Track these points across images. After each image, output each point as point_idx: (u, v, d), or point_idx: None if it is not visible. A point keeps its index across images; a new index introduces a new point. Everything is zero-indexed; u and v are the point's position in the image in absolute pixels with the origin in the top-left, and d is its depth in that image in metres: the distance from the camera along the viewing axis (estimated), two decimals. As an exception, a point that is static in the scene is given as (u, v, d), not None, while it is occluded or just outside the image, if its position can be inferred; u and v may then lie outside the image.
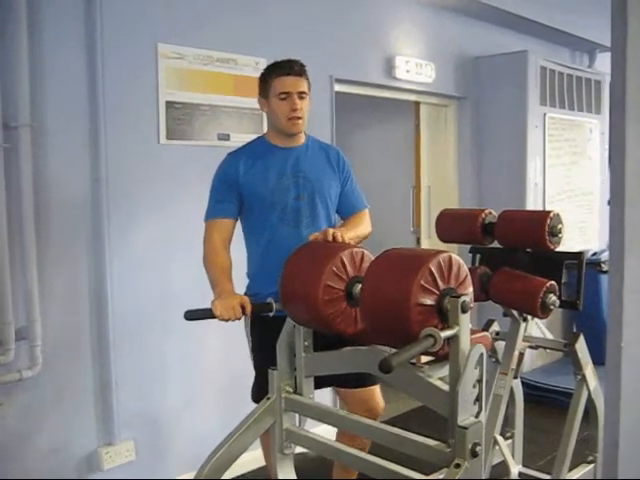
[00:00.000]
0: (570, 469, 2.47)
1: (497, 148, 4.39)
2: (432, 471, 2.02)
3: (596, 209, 4.89)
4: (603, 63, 5.11)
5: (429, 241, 4.39)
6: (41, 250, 2.49)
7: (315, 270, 1.73)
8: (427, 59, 3.98)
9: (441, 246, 2.65)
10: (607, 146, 4.95)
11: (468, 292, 1.56)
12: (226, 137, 3.01)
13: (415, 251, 2.12)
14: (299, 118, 2.22)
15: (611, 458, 1.07)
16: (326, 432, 2.01)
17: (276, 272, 1.86)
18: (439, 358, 1.57)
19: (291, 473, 1.94)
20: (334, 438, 2.25)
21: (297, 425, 1.96)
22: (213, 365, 3.04)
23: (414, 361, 1.58)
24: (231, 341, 2.91)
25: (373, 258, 1.69)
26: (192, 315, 1.95)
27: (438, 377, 1.56)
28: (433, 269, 1.49)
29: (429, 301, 1.48)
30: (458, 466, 1.43)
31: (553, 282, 2.29)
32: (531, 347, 2.56)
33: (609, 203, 1.08)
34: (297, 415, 1.96)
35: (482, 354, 1.47)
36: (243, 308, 1.97)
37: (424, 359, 1.94)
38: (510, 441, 2.70)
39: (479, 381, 1.48)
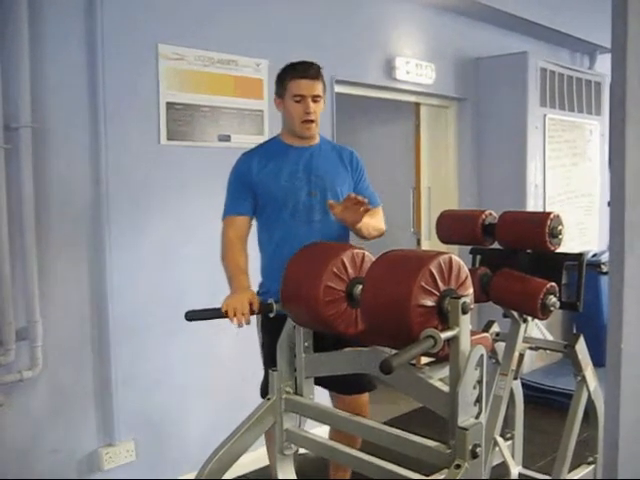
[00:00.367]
0: (570, 470, 2.47)
1: (497, 149, 4.39)
2: (432, 472, 2.02)
3: (596, 210, 4.90)
4: (603, 64, 5.11)
5: (429, 242, 4.39)
6: (42, 251, 2.50)
7: (316, 271, 1.73)
8: (427, 60, 3.98)
9: (441, 247, 2.65)
10: (607, 147, 4.96)
11: (468, 293, 1.56)
12: (227, 138, 3.02)
13: (415, 252, 2.13)
14: (312, 121, 2.24)
15: (611, 459, 1.07)
16: (326, 433, 2.01)
17: None
18: (439, 359, 1.57)
19: (291, 473, 1.94)
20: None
21: (297, 426, 1.96)
22: (213, 366, 3.04)
23: (414, 362, 1.59)
24: (232, 342, 2.92)
25: (374, 259, 1.69)
26: (192, 315, 1.95)
27: (438, 378, 1.56)
28: (433, 270, 1.50)
29: (429, 302, 1.48)
30: (458, 467, 1.43)
31: (553, 283, 2.29)
32: (531, 348, 2.57)
33: (609, 204, 1.09)
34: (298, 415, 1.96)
35: (482, 355, 1.47)
36: (251, 305, 1.98)
37: (424, 360, 1.94)
38: (510, 442, 2.70)
39: (479, 382, 1.48)
